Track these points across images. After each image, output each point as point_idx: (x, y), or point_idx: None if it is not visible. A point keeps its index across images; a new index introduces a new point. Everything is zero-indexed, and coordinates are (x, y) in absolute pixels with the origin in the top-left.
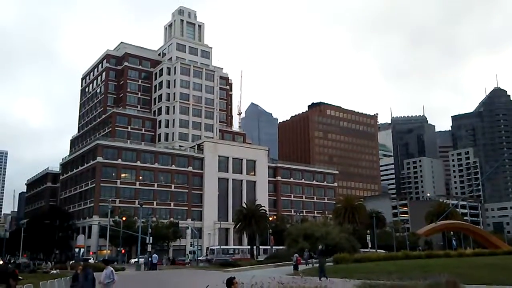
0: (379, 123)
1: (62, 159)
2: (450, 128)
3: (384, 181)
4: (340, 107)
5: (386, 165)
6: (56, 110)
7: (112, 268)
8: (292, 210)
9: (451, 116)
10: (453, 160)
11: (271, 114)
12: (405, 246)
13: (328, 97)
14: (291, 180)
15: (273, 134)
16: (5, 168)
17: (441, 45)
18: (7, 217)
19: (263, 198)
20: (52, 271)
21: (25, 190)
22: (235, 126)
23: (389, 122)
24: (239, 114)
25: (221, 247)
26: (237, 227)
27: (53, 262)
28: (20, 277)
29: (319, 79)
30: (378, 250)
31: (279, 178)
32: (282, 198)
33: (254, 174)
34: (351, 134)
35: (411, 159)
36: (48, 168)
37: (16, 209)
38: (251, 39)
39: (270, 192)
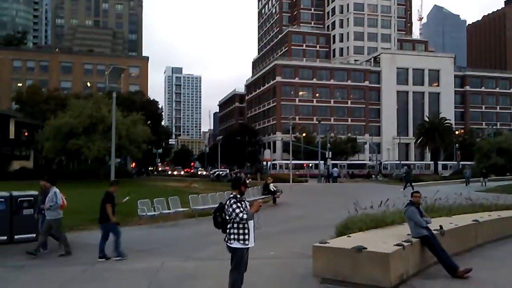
0: None
1: (246, 80)
2: None
3: None
4: None
5: None
6: (231, 33)
7: (56, 189)
8: (483, 123)
9: None
10: None
11: (458, 16)
12: None
13: None
14: (482, 89)
15: (460, 39)
16: (200, 91)
17: None
18: (205, 135)
19: (448, 111)
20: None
21: (217, 110)
22: (416, 34)
23: None
24: (420, 19)
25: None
26: (418, 142)
27: (247, 174)
28: (249, 186)
29: None
30: None
31: (467, 88)
32: (471, 110)
33: (438, 85)
34: None
35: None
36: (235, 89)
37: (212, 127)
38: None
39: (456, 103)
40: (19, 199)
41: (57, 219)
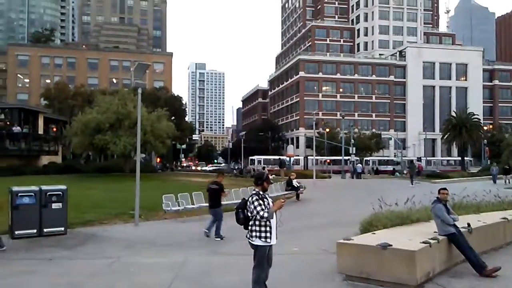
0: None
1: (269, 75)
2: None
3: None
4: None
5: None
6: (255, 28)
7: None
8: None
9: None
10: None
11: (487, 8)
12: None
13: None
14: None
15: (489, 32)
16: (224, 87)
17: None
18: (229, 130)
19: (476, 106)
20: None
21: (241, 106)
22: (443, 27)
23: None
24: (447, 12)
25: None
26: (445, 137)
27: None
28: (272, 181)
29: None
30: None
31: (496, 82)
32: (499, 104)
33: (465, 79)
34: None
35: None
36: (258, 85)
37: (235, 123)
38: None
39: (484, 98)
40: (48, 193)
41: None
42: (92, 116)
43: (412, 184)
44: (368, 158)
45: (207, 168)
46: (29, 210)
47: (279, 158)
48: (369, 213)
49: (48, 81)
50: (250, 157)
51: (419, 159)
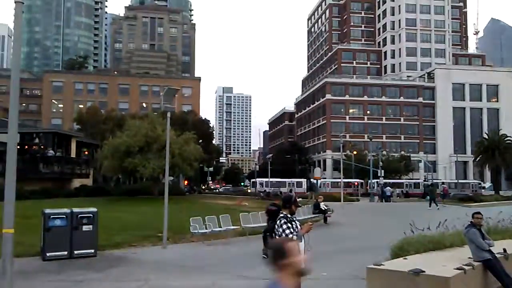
0: None
1: (296, 98)
2: None
3: None
4: None
5: None
6: (281, 52)
7: None
8: None
9: None
10: None
11: None
12: None
13: None
14: None
15: None
16: (250, 110)
17: None
18: (255, 153)
19: (509, 127)
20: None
21: (267, 129)
22: (472, 48)
23: None
24: (476, 33)
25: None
26: (477, 160)
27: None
28: (299, 204)
29: None
30: None
31: None
32: None
33: (497, 101)
34: None
35: None
36: (284, 108)
37: (262, 145)
38: None
39: None
40: (79, 216)
41: None
42: (122, 139)
43: (430, 207)
44: (370, 180)
45: (216, 190)
46: (60, 232)
47: (310, 181)
48: (399, 237)
49: (81, 106)
50: (252, 180)
51: (430, 182)
